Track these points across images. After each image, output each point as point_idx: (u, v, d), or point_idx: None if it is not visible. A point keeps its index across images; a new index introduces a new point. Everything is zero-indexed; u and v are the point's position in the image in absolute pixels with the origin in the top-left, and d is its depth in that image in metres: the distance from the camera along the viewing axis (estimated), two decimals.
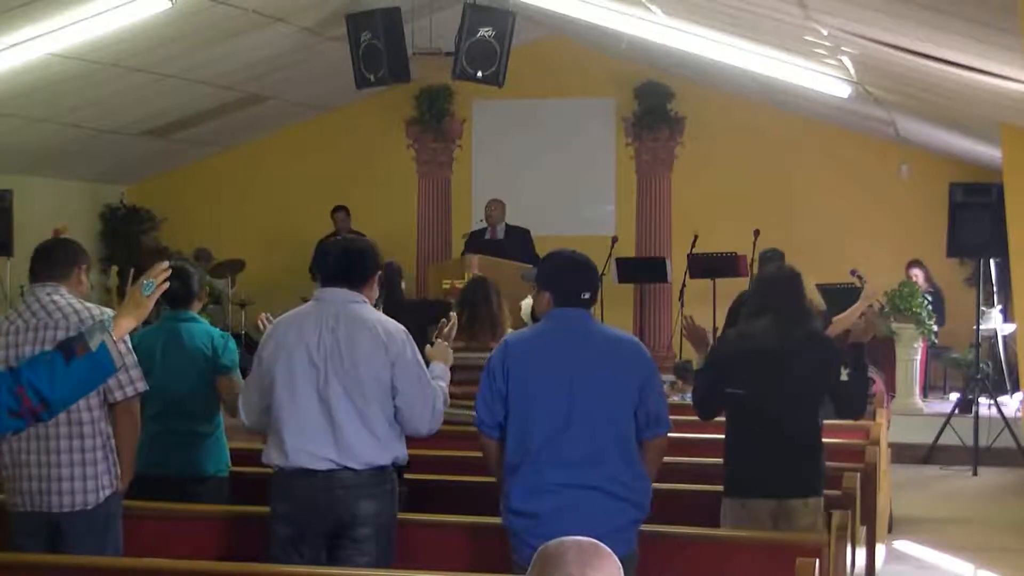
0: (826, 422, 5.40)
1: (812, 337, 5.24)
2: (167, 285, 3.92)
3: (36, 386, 3.68)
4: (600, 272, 10.34)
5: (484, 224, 12.31)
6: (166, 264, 3.96)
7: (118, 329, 3.89)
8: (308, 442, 4.54)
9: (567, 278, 4.61)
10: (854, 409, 5.30)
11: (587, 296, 4.55)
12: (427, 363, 4.82)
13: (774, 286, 5.38)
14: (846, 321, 7.89)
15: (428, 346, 4.99)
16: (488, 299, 6.97)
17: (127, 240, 14.36)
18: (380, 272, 4.83)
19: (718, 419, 5.38)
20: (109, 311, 4.71)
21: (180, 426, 5.18)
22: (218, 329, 5.73)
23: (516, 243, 11.79)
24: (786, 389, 5.12)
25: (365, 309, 4.66)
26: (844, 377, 5.16)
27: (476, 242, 11.95)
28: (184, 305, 5.60)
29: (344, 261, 4.74)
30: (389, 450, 4.61)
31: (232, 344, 5.59)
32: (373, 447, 4.56)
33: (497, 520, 4.59)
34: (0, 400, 3.68)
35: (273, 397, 4.61)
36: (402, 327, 4.69)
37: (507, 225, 12.20)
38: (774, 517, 5.05)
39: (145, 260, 9.44)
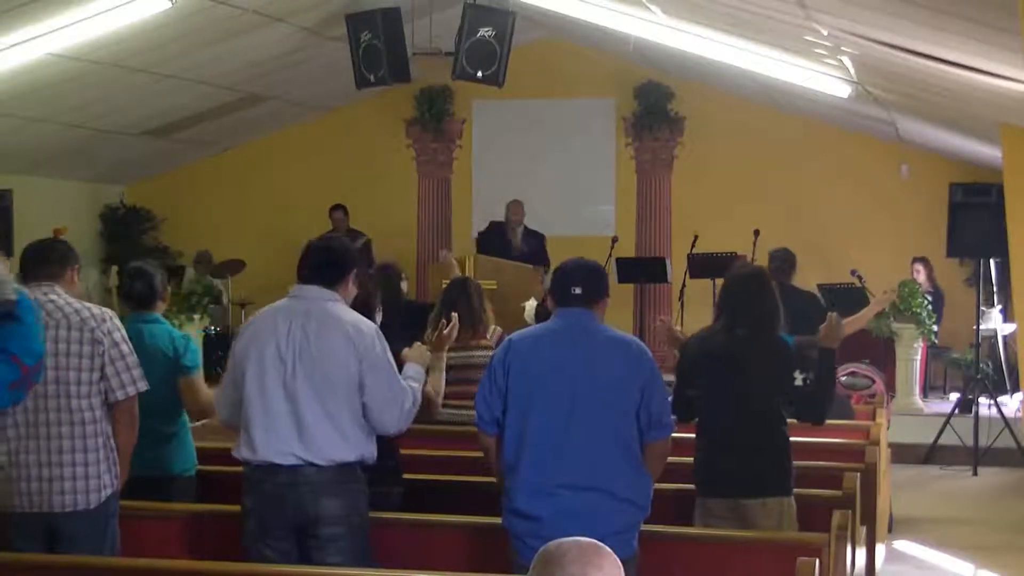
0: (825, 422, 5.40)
1: (763, 339, 5.20)
2: None
3: (27, 347, 3.71)
4: None
5: (503, 220, 12.28)
6: None
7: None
8: (275, 437, 4.55)
9: (560, 278, 4.67)
10: (814, 414, 5.25)
11: (578, 291, 4.56)
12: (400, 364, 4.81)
13: (730, 287, 5.38)
14: (859, 322, 7.88)
15: (406, 348, 4.97)
16: (468, 298, 6.96)
17: (127, 240, 14.36)
18: (356, 271, 4.82)
19: None
20: (109, 311, 4.73)
21: (144, 426, 5.10)
22: (179, 331, 5.72)
23: (530, 247, 11.81)
24: (734, 390, 5.13)
25: (338, 307, 4.67)
26: (798, 382, 5.13)
27: (493, 239, 11.95)
28: (147, 306, 5.56)
29: (320, 259, 4.76)
30: (355, 448, 4.60)
31: (193, 345, 5.57)
32: (338, 444, 4.56)
33: (497, 520, 4.59)
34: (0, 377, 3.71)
35: (243, 392, 4.63)
36: (373, 325, 4.69)
37: (525, 227, 12.21)
38: (734, 516, 5.07)
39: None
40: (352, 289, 4.82)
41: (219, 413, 4.88)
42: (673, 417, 4.70)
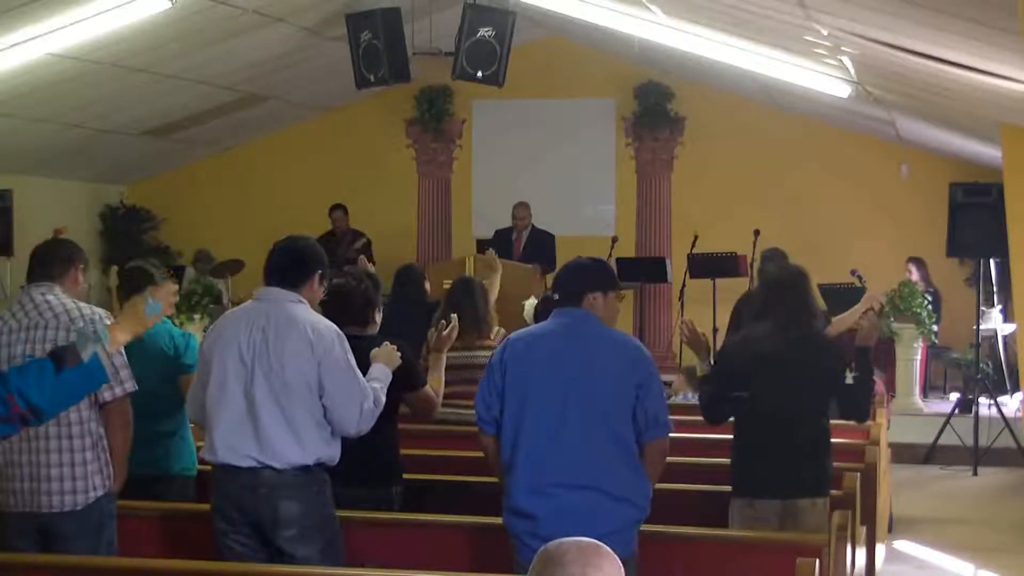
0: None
1: (815, 339, 5.24)
2: (172, 310, 3.91)
3: (25, 393, 3.69)
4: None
5: (506, 228, 12.25)
6: (175, 287, 3.96)
7: (113, 342, 3.91)
8: (233, 439, 4.56)
9: (553, 283, 4.74)
10: (859, 412, 5.29)
11: (555, 297, 4.64)
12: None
13: (777, 287, 5.38)
14: (846, 322, 7.87)
15: (375, 348, 4.96)
16: (472, 298, 6.97)
17: (127, 240, 14.35)
18: (321, 272, 4.78)
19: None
20: (101, 311, 4.72)
21: (143, 426, 5.04)
22: (179, 329, 5.71)
23: (537, 247, 11.80)
24: (790, 391, 5.12)
25: (300, 309, 4.65)
26: (849, 380, 5.15)
27: (500, 242, 11.92)
28: None
29: (283, 261, 4.75)
30: (313, 451, 4.59)
31: (194, 343, 5.54)
32: (295, 447, 4.55)
33: (497, 520, 4.59)
34: None
35: (206, 393, 4.65)
36: (334, 327, 4.67)
37: (533, 227, 12.16)
38: (781, 517, 5.07)
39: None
40: (318, 290, 4.80)
41: (190, 413, 4.91)
42: (671, 419, 4.67)
